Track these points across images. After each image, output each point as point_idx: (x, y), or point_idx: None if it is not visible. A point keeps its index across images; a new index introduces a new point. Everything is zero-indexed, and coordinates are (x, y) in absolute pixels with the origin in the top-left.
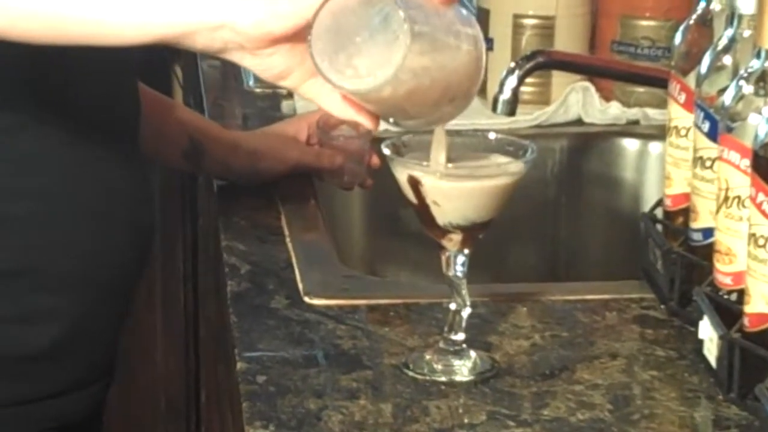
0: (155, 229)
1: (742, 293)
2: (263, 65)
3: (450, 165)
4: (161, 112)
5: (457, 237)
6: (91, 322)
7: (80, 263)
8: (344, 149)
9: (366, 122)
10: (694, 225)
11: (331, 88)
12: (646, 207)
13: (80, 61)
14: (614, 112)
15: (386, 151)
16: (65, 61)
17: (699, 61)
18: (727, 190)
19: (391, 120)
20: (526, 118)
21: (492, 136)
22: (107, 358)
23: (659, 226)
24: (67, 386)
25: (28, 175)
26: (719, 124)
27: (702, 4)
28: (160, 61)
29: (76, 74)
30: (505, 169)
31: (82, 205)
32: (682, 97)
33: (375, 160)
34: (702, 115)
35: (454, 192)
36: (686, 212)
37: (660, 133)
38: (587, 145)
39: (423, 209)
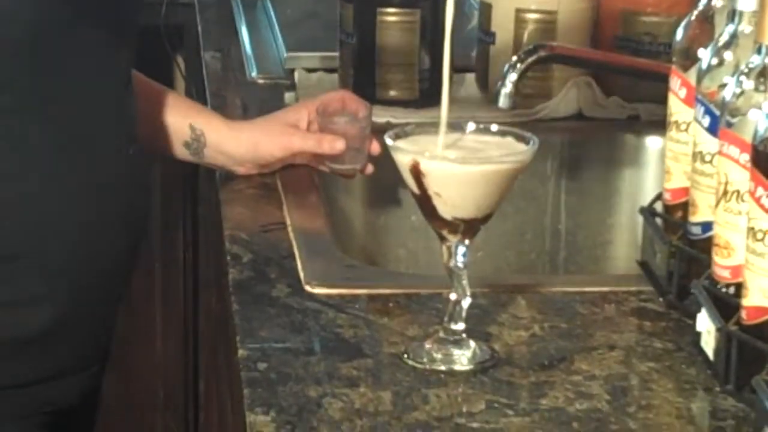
0: (149, 215)
1: (740, 286)
2: None
3: (453, 155)
4: (162, 103)
5: (458, 228)
6: (85, 307)
7: (72, 247)
8: (345, 134)
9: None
10: (693, 219)
11: None
12: (646, 201)
13: (73, 45)
14: (615, 106)
15: (389, 141)
16: (56, 45)
17: (700, 57)
18: (726, 184)
19: None
20: (528, 111)
21: (494, 128)
22: (102, 344)
23: (659, 220)
24: (60, 370)
25: (18, 157)
26: (719, 119)
27: (703, 1)
28: (163, 53)
29: (68, 58)
30: (508, 157)
31: (72, 190)
32: (683, 92)
33: (375, 146)
34: (702, 110)
35: (456, 180)
36: (685, 206)
37: (660, 127)
38: (588, 139)
39: (425, 200)
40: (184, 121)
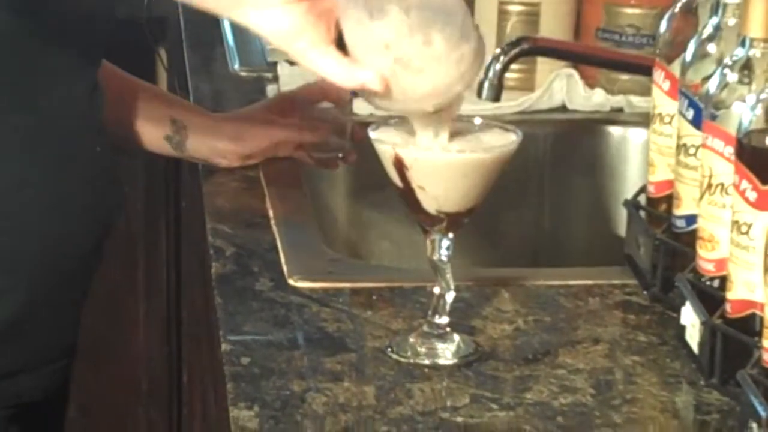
0: (118, 213)
1: (724, 280)
2: None
3: (436, 146)
4: (142, 97)
5: (442, 222)
6: (47, 302)
7: (35, 242)
8: (326, 122)
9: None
10: (678, 212)
11: None
12: (630, 194)
13: (41, 40)
14: (598, 99)
15: (372, 134)
16: (23, 42)
17: (684, 49)
18: (710, 177)
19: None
20: (511, 104)
21: (477, 121)
22: (67, 339)
23: (642, 213)
24: (24, 365)
25: None
26: (703, 112)
27: None
28: (145, 45)
29: (34, 55)
30: (492, 149)
31: (38, 185)
32: (667, 85)
33: (357, 134)
34: (686, 102)
35: (440, 171)
36: (669, 199)
37: (644, 120)
38: (571, 132)
39: (409, 194)
40: (165, 115)
